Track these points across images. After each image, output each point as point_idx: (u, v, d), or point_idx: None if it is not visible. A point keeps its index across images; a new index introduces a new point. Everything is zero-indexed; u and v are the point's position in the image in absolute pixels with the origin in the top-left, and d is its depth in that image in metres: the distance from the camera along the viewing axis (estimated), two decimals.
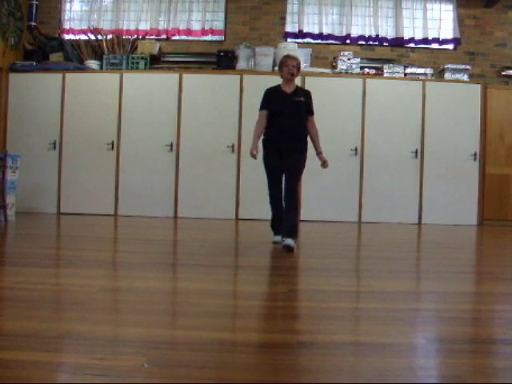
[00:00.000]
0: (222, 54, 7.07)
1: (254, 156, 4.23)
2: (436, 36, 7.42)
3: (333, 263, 3.60)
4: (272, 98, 4.25)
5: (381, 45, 7.45)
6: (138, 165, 6.82)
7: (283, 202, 4.18)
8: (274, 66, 6.82)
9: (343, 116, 6.79)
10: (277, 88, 4.30)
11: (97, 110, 6.85)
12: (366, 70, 7.08)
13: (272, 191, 4.27)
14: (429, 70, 7.04)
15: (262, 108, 4.30)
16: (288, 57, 4.29)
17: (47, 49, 7.18)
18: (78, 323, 1.95)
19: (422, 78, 6.94)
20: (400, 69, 6.99)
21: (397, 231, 6.03)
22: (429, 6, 7.46)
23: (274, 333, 1.95)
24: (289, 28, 7.50)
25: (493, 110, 6.95)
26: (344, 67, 7.02)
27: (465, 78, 6.96)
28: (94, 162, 6.83)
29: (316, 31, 7.44)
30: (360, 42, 7.46)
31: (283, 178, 4.23)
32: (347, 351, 1.74)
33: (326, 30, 7.44)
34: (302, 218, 6.58)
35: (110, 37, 7.29)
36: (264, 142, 4.30)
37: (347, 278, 3.14)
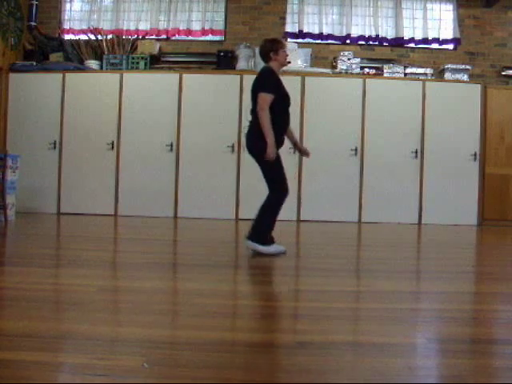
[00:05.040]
0: (222, 54, 7.07)
1: (273, 158, 3.57)
2: (436, 36, 7.42)
3: (333, 263, 3.60)
4: (280, 82, 3.66)
5: (381, 45, 7.44)
6: (138, 165, 6.81)
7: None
8: None
9: (343, 116, 6.78)
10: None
11: (97, 110, 6.85)
12: (366, 70, 7.07)
13: (286, 190, 3.71)
14: (429, 70, 7.03)
15: (270, 91, 3.53)
16: (282, 42, 3.82)
17: (47, 49, 7.17)
18: (78, 323, 1.95)
19: (421, 77, 6.94)
20: (400, 69, 6.99)
21: (397, 231, 6.03)
22: (429, 5, 7.46)
23: (273, 333, 1.95)
24: (289, 28, 7.49)
25: (493, 110, 6.94)
26: (344, 67, 7.02)
27: (465, 78, 6.95)
28: (94, 162, 6.83)
29: (316, 31, 7.43)
30: (360, 42, 7.45)
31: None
32: (347, 351, 1.74)
33: (326, 30, 7.44)
34: (301, 218, 6.63)
35: (110, 37, 7.28)
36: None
37: (347, 278, 3.14)
